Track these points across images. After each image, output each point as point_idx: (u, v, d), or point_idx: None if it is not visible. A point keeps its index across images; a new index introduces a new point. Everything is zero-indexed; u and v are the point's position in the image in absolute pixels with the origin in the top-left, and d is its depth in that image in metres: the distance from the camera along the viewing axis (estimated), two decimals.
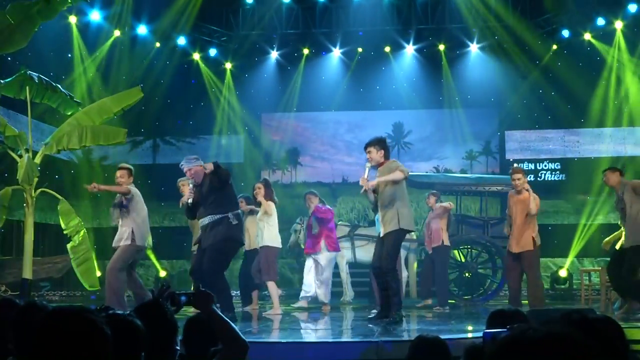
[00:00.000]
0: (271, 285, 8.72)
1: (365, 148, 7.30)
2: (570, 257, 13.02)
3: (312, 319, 8.45)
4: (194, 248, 8.03)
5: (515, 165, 9.44)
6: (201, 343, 3.23)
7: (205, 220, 7.26)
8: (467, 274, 10.86)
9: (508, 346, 1.24)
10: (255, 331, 6.85)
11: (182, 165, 7.48)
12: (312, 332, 7.41)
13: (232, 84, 14.58)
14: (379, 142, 7.24)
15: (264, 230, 8.66)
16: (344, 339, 6.47)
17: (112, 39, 13.05)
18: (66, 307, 1.84)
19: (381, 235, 7.15)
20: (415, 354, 3.18)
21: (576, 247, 13.09)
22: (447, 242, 9.69)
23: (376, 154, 7.20)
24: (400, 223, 6.95)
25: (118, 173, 7.89)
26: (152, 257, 13.58)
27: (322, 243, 9.25)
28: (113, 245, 7.78)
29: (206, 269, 7.13)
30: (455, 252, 11.01)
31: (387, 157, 7.26)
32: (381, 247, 7.18)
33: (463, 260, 11.10)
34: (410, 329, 6.92)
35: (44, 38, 10.98)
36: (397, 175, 6.92)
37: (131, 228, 7.64)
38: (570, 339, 1.21)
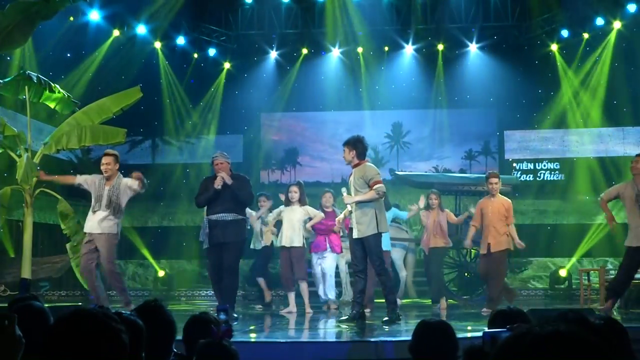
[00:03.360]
0: (305, 286, 9.00)
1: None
2: (575, 258, 13.00)
3: (311, 318, 8.46)
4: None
5: (491, 170, 9.58)
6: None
7: (228, 216, 7.70)
8: (467, 274, 10.83)
9: (513, 345, 1.23)
10: (254, 331, 6.85)
11: (217, 156, 7.88)
12: (311, 332, 7.41)
13: (222, 84, 14.56)
14: (352, 143, 7.40)
15: (301, 231, 8.89)
16: (343, 339, 6.47)
17: (111, 38, 13.04)
18: (87, 310, 1.79)
19: (356, 236, 7.24)
20: (420, 340, 3.11)
21: (583, 248, 13.03)
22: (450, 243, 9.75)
23: (348, 154, 7.40)
24: (379, 227, 7.19)
25: (104, 160, 7.87)
26: (149, 256, 13.55)
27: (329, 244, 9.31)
28: (99, 231, 7.74)
29: (231, 265, 7.70)
30: (454, 251, 10.99)
31: (360, 157, 7.39)
32: (361, 250, 7.29)
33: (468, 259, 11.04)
34: (410, 329, 6.92)
35: (43, 37, 11.00)
36: (371, 195, 7.17)
37: (119, 218, 7.80)
38: (578, 337, 1.20)
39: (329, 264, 9.27)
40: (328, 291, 9.32)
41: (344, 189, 7.53)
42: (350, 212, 7.35)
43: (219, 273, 7.81)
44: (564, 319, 2.17)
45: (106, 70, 13.01)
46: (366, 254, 7.27)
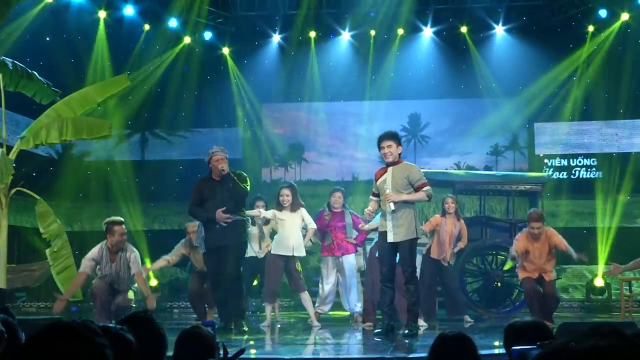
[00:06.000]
0: (307, 296, 9.02)
1: (382, 141, 7.46)
2: (601, 263, 12.94)
3: (323, 332, 8.46)
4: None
5: (534, 209, 9.35)
6: (193, 358, 3.24)
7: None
8: (497, 284, 10.75)
9: None
10: (255, 346, 6.85)
11: (216, 151, 7.92)
12: (319, 347, 7.42)
13: (234, 71, 14.58)
14: (399, 139, 7.54)
15: (300, 238, 8.87)
16: (356, 355, 6.47)
17: (101, 22, 13.06)
18: (67, 323, 1.77)
19: (391, 240, 7.24)
20: (438, 354, 3.10)
21: (604, 251, 12.97)
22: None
23: (396, 149, 7.44)
24: (418, 232, 7.39)
25: (117, 229, 8.06)
26: (148, 263, 13.54)
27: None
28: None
29: (234, 272, 7.83)
30: (478, 258, 10.96)
31: (400, 155, 7.56)
32: (393, 257, 7.39)
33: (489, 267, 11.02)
34: (427, 344, 6.91)
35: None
36: (421, 197, 7.35)
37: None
38: (619, 354, 1.18)
39: (348, 267, 9.23)
40: (353, 300, 9.27)
41: (386, 186, 7.41)
42: (394, 211, 7.27)
43: (219, 279, 7.87)
44: (597, 333, 2.14)
45: (90, 55, 13.05)
46: (396, 262, 7.39)
